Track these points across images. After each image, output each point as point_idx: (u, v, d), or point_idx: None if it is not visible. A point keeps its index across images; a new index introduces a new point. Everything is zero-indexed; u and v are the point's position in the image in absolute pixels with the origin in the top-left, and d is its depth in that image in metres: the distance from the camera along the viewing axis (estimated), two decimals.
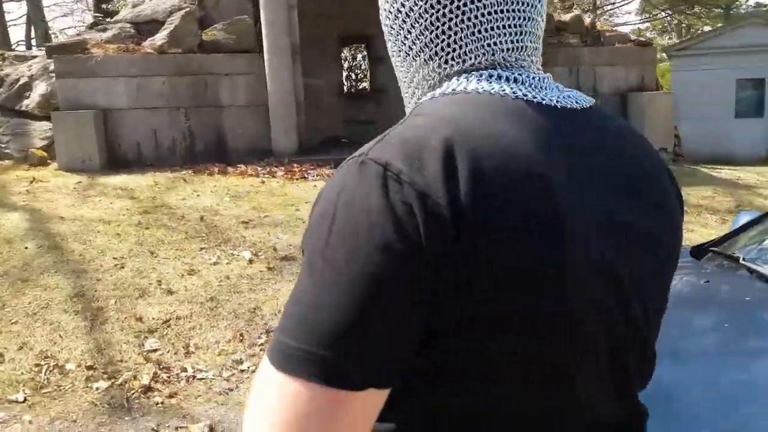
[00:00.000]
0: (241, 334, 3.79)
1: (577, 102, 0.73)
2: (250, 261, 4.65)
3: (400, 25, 0.74)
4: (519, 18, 0.71)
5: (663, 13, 26.51)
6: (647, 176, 0.74)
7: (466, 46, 0.71)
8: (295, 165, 7.81)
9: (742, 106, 17.00)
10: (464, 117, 0.64)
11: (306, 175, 7.34)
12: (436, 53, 0.72)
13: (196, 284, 4.29)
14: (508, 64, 0.71)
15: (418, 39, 0.73)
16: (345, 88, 11.58)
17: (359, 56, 12.78)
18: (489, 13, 0.70)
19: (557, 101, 0.70)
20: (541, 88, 0.71)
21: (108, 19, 9.18)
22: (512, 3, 0.70)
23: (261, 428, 0.57)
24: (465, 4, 0.69)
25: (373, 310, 0.56)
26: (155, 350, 3.60)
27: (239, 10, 8.41)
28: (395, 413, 0.62)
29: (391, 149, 0.61)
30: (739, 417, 1.44)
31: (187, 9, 8.20)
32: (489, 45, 0.71)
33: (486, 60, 0.71)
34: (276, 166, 7.79)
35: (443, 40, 0.71)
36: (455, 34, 0.71)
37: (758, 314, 1.85)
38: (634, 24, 29.22)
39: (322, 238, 0.60)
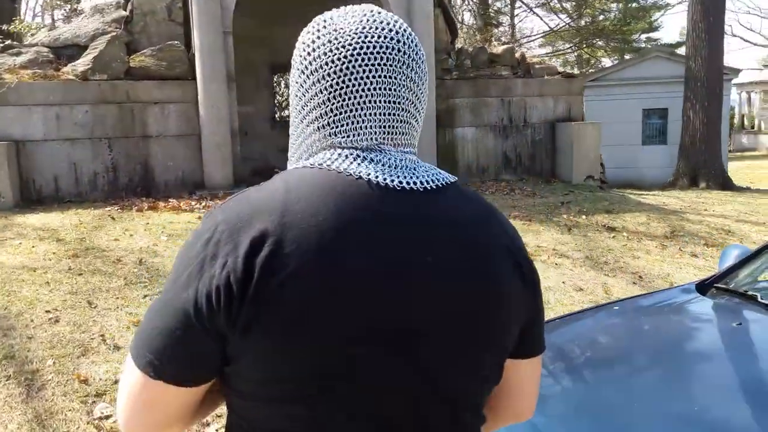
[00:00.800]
0: None
1: (423, 183, 0.84)
2: None
3: (303, 93, 0.87)
4: (393, 109, 0.85)
5: (566, 46, 28.02)
6: (470, 258, 0.83)
7: (347, 125, 0.84)
8: None
9: (648, 133, 18.16)
10: (308, 185, 0.80)
11: None
12: (323, 126, 0.86)
13: None
14: (373, 147, 0.85)
15: (314, 111, 0.86)
16: (277, 116, 11.31)
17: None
18: (367, 103, 0.84)
19: (400, 182, 0.82)
20: (395, 168, 0.84)
21: (16, 43, 8.48)
22: (389, 97, 0.84)
23: (120, 396, 0.83)
24: (350, 95, 0.83)
25: (177, 338, 0.77)
26: (107, 417, 3.19)
27: (169, 36, 8.02)
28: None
29: (230, 210, 0.80)
30: None
31: (113, 33, 7.72)
32: (363, 129, 0.84)
33: (358, 141, 0.84)
34: (211, 200, 7.40)
35: (331, 117, 0.85)
36: (341, 114, 0.84)
37: None
38: (541, 57, 30.77)
39: (173, 266, 0.80)
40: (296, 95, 0.89)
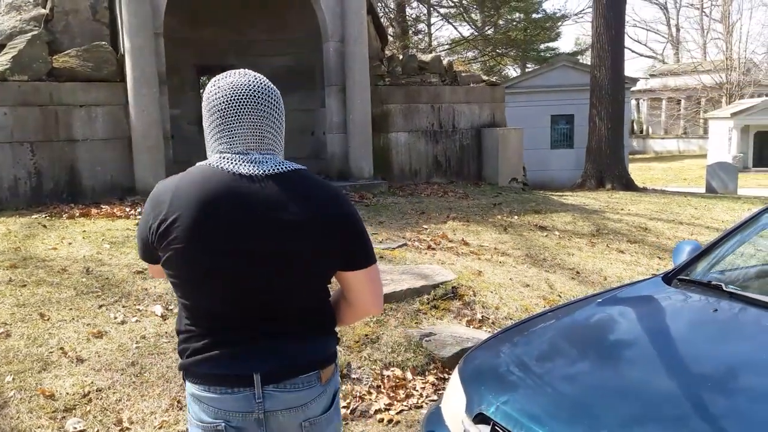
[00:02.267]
0: (179, 401, 3.39)
1: (264, 171, 1.48)
2: (164, 317, 4.20)
3: (206, 121, 1.55)
4: (254, 130, 1.50)
5: (469, 55, 29.03)
6: (306, 207, 1.48)
7: (227, 140, 1.51)
8: None
9: (556, 138, 19.26)
10: (191, 175, 1.49)
11: None
12: (216, 140, 1.52)
13: (109, 348, 3.77)
14: (243, 151, 1.49)
15: (212, 132, 1.53)
16: None
17: None
18: (237, 128, 1.50)
19: (251, 172, 1.47)
20: (252, 163, 1.49)
21: None
22: (250, 123, 1.50)
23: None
24: (227, 125, 1.49)
25: (140, 241, 1.53)
26: (81, 431, 3.09)
27: (94, 36, 7.68)
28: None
29: (153, 192, 1.52)
30: None
31: (34, 32, 7.28)
32: (236, 142, 1.50)
33: (234, 149, 1.50)
34: None
35: (219, 135, 1.51)
36: (223, 134, 1.50)
37: None
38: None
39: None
40: (204, 122, 1.57)
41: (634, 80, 20.39)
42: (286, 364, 1.48)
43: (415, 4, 23.90)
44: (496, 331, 2.81)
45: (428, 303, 4.67)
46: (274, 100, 1.53)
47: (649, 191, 14.29)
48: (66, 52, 7.44)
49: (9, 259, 4.94)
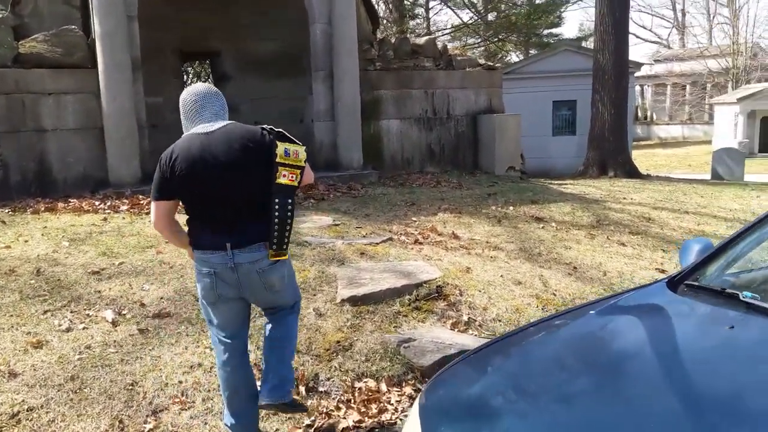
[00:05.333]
0: (121, 421, 3.01)
1: (215, 127, 2.65)
2: (114, 323, 3.80)
3: (183, 114, 2.77)
4: (212, 111, 2.72)
5: (470, 41, 28.45)
6: (236, 143, 2.61)
7: (197, 120, 2.70)
8: (140, 196, 6.84)
9: (558, 124, 18.76)
10: (182, 141, 2.66)
11: None
12: (190, 122, 2.72)
13: (48, 360, 3.38)
14: (201, 122, 2.69)
15: (187, 118, 2.74)
16: None
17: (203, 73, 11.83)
18: (202, 113, 2.70)
19: (209, 131, 2.64)
20: (212, 127, 2.65)
21: None
22: (209, 108, 2.72)
23: (151, 216, 2.86)
24: (195, 113, 2.71)
25: (158, 182, 2.67)
26: None
27: (65, 20, 7.26)
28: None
29: (165, 151, 2.68)
30: None
31: None
32: (197, 117, 2.71)
33: (201, 123, 2.68)
34: (117, 199, 6.76)
35: (191, 119, 2.73)
36: (193, 118, 2.72)
37: None
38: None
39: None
40: (182, 114, 2.75)
41: (639, 65, 19.83)
42: (245, 239, 2.61)
43: None
44: (466, 352, 2.38)
45: (410, 304, 4.26)
46: (219, 96, 2.79)
47: (653, 178, 13.82)
48: (33, 37, 7.02)
49: None
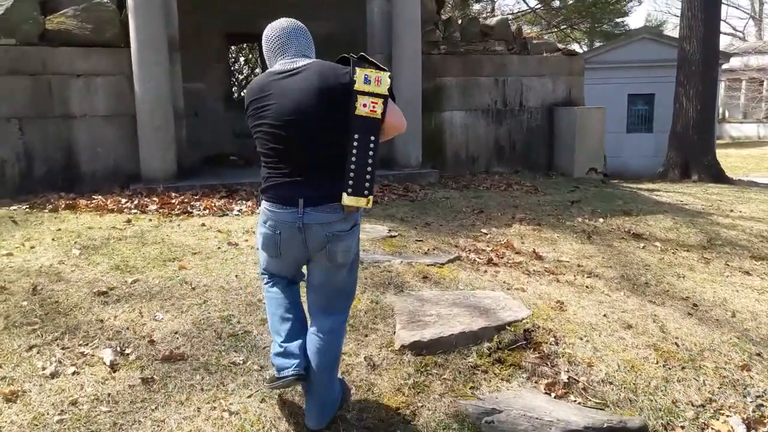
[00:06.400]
0: None
1: (296, 65, 2.38)
2: (113, 366, 2.96)
3: (267, 50, 2.50)
4: (297, 47, 2.45)
5: (534, 28, 26.87)
6: (315, 85, 2.31)
7: (281, 56, 2.44)
8: (173, 194, 6.06)
9: (633, 120, 17.24)
10: (257, 80, 2.47)
11: (189, 209, 5.62)
12: (275, 57, 2.47)
13: (19, 420, 2.56)
14: (284, 59, 2.43)
15: (272, 53, 2.47)
16: (235, 95, 9.84)
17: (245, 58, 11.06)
18: (286, 48, 2.44)
19: (290, 69, 2.37)
20: (294, 64, 2.39)
21: None
22: (293, 43, 2.44)
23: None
24: (279, 47, 2.45)
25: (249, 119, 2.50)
26: None
27: None
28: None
29: (251, 83, 2.49)
30: None
31: None
32: (280, 54, 2.45)
33: (285, 60, 2.42)
34: (147, 197, 6.00)
35: (276, 54, 2.46)
36: (278, 53, 2.45)
37: None
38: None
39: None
40: (265, 51, 2.51)
41: (728, 55, 18.06)
42: (319, 194, 2.34)
43: None
44: None
45: (490, 355, 3.27)
46: (304, 29, 2.52)
47: (743, 183, 12.34)
48: (62, 12, 6.32)
49: None
